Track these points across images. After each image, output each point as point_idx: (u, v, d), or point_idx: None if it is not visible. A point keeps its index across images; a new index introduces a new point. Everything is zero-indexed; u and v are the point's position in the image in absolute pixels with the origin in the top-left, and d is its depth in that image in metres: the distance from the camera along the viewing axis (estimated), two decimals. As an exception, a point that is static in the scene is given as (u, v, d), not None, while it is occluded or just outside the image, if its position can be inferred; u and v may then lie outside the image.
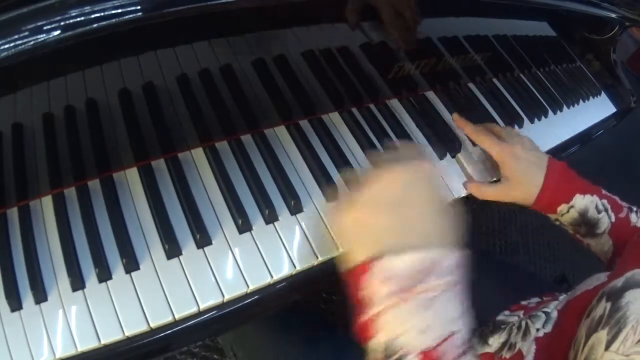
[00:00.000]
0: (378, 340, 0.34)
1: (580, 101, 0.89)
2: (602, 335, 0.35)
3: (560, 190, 0.55)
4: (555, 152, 0.75)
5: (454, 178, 0.60)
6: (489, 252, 1.36)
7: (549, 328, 0.51)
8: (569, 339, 0.41)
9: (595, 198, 0.56)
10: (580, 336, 0.38)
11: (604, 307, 0.37)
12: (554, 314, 0.52)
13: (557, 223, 0.59)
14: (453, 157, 0.62)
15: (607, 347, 0.34)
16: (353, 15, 0.47)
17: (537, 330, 0.51)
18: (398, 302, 0.33)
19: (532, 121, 0.75)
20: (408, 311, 0.33)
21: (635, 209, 0.59)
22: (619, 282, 0.38)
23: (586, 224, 0.56)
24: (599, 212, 0.56)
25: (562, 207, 0.56)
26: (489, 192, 0.58)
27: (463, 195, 0.59)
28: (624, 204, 0.59)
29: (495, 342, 0.55)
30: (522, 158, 0.56)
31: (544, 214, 0.59)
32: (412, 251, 0.34)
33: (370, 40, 0.54)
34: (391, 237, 0.36)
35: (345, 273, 0.37)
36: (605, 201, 0.57)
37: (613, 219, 0.57)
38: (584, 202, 0.55)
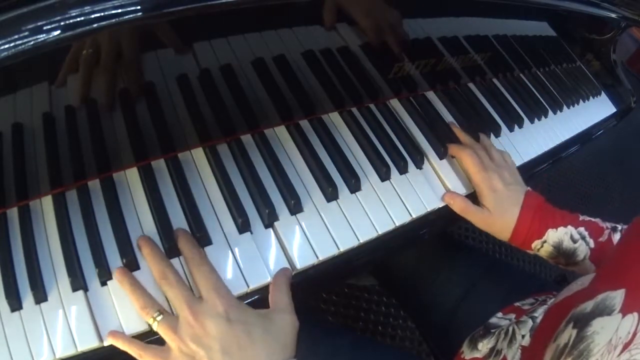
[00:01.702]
0: None
1: (580, 101, 0.89)
2: None
3: (534, 227, 0.55)
4: (556, 152, 0.75)
5: (455, 177, 0.60)
6: (489, 252, 1.36)
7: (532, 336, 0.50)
8: (544, 349, 0.40)
9: (570, 229, 0.55)
10: None
11: (569, 334, 0.35)
12: (539, 320, 0.52)
13: (538, 255, 0.58)
14: (453, 157, 0.62)
15: None
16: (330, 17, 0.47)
17: (523, 336, 0.51)
18: None
19: (532, 121, 0.75)
20: None
21: (619, 227, 0.58)
22: (588, 305, 0.36)
23: (563, 255, 0.56)
24: (574, 241, 0.55)
25: (536, 243, 0.55)
26: (469, 210, 0.56)
27: (462, 194, 0.59)
28: (606, 224, 0.57)
29: (484, 347, 0.55)
30: (499, 191, 0.56)
31: (522, 250, 0.58)
32: None
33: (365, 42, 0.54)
34: None
35: None
36: (582, 229, 0.55)
37: (592, 245, 0.56)
38: (556, 235, 0.54)
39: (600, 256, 0.56)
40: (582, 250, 0.55)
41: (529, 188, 0.58)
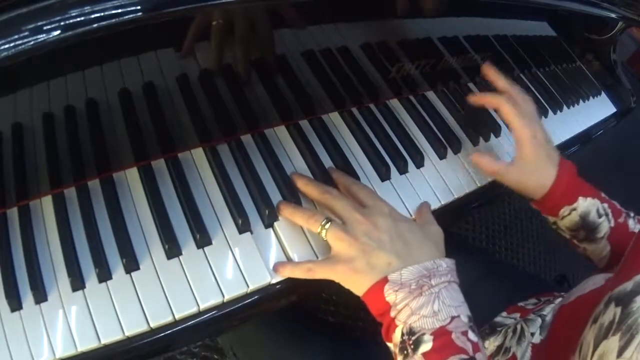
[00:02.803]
0: (399, 332, 0.40)
1: (580, 101, 0.89)
2: (613, 342, 0.34)
3: (568, 192, 0.54)
4: (555, 152, 0.75)
5: (455, 177, 0.60)
6: (489, 252, 1.36)
7: (544, 334, 0.50)
8: (564, 346, 0.41)
9: (597, 202, 0.55)
10: (587, 343, 0.37)
11: (613, 312, 0.36)
12: (549, 318, 0.52)
13: (554, 227, 0.58)
14: (455, 154, 0.62)
15: (619, 354, 0.33)
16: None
17: (532, 334, 0.51)
18: (411, 300, 0.40)
19: (532, 121, 0.75)
20: (419, 305, 0.40)
21: (632, 214, 0.58)
22: (627, 285, 0.37)
23: (586, 228, 0.55)
24: (599, 216, 0.55)
25: (565, 209, 0.54)
26: (501, 167, 0.55)
27: (463, 194, 0.59)
28: (622, 209, 0.58)
29: (491, 345, 0.55)
30: (541, 145, 0.54)
31: (544, 215, 0.58)
32: (414, 264, 0.42)
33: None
34: (395, 260, 0.42)
35: (364, 295, 0.42)
36: (606, 205, 0.55)
37: (612, 224, 0.55)
38: (586, 204, 0.54)
39: (617, 238, 0.56)
40: (604, 227, 0.55)
41: (559, 152, 0.57)
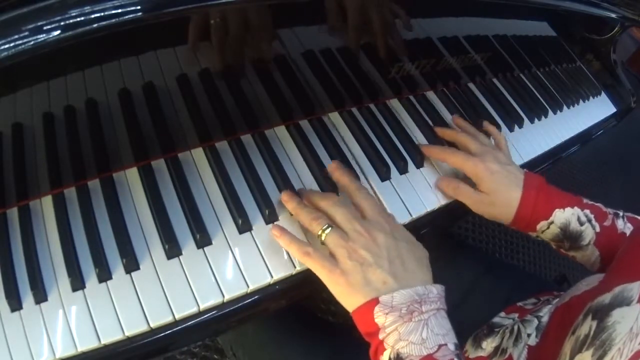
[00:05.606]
0: (386, 355, 0.40)
1: (580, 101, 0.89)
2: (587, 356, 0.34)
3: (539, 207, 0.52)
4: (555, 152, 0.75)
5: (455, 177, 0.59)
6: (489, 252, 1.36)
7: (540, 336, 0.50)
8: (554, 349, 0.40)
9: (577, 210, 0.53)
10: (565, 354, 0.37)
11: (589, 325, 0.36)
12: (545, 319, 0.51)
13: (539, 239, 0.57)
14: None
15: None
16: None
17: (529, 335, 0.51)
18: (401, 325, 0.40)
19: (532, 121, 0.75)
20: (408, 331, 0.39)
21: (621, 214, 0.57)
22: (606, 298, 0.37)
23: (569, 238, 0.54)
24: (581, 224, 0.53)
25: (542, 224, 0.53)
26: (462, 193, 0.55)
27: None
28: (609, 210, 0.56)
29: (488, 346, 0.55)
30: (497, 172, 0.53)
31: (524, 232, 0.56)
32: (406, 288, 0.41)
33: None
34: (391, 280, 0.42)
35: (354, 311, 0.42)
36: (587, 211, 0.54)
37: (598, 229, 0.54)
38: (564, 216, 0.53)
39: (605, 242, 0.54)
40: (588, 233, 0.54)
41: (526, 170, 0.56)
